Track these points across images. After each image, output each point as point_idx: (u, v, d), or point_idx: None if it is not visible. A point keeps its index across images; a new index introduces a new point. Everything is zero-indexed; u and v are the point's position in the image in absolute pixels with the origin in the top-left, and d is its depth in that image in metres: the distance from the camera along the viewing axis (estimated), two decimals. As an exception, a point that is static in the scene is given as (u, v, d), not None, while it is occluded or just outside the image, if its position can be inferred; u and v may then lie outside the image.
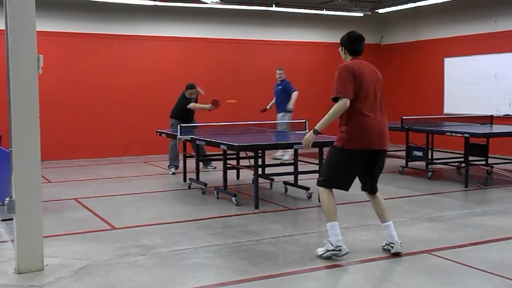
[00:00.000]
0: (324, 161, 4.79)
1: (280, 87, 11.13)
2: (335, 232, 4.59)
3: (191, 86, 9.77)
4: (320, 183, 4.74)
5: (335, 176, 4.68)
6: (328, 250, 4.58)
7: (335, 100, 4.66)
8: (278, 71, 11.17)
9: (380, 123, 4.67)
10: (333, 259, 4.59)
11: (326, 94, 14.50)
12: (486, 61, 11.85)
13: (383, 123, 4.71)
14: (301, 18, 13.40)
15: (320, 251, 4.66)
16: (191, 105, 9.59)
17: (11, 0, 4.11)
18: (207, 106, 9.59)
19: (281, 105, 11.04)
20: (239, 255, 4.77)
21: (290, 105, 10.87)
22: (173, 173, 9.43)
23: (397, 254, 4.70)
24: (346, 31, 5.00)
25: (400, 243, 4.73)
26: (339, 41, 4.95)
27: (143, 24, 12.08)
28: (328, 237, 4.63)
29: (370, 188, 4.83)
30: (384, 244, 4.87)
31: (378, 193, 4.87)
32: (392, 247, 4.74)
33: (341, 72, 4.65)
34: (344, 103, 4.56)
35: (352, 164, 4.64)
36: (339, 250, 4.55)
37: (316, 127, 4.72)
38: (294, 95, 10.90)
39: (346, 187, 4.75)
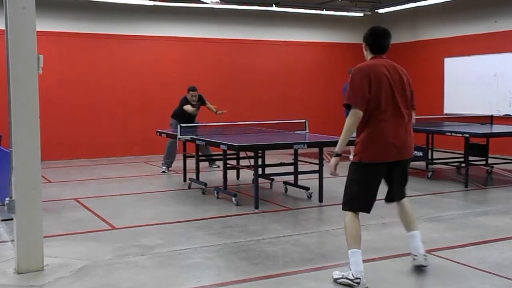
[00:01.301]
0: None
1: None
2: (356, 261, 3.99)
3: (191, 89, 9.74)
4: (343, 207, 4.20)
5: (356, 196, 4.15)
6: (347, 278, 4.02)
7: (347, 106, 4.03)
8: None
9: (400, 131, 4.07)
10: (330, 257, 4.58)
11: (326, 94, 14.58)
12: (486, 61, 11.84)
13: (406, 130, 4.12)
14: (301, 18, 13.40)
15: (336, 274, 4.12)
16: (185, 107, 9.58)
17: (11, 0, 4.11)
18: (194, 110, 9.59)
19: None
20: (239, 255, 4.77)
21: None
22: (163, 172, 9.46)
23: (420, 267, 4.32)
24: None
25: (425, 256, 4.32)
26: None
27: (143, 24, 12.08)
28: (349, 264, 4.06)
29: (388, 197, 4.39)
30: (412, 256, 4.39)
31: (404, 201, 4.42)
32: (414, 259, 4.35)
33: (354, 76, 4.01)
34: (356, 114, 3.93)
35: (370, 179, 4.11)
36: (357, 283, 3.96)
37: (336, 151, 4.10)
38: None
39: (367, 209, 4.20)
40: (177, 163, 9.69)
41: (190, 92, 9.72)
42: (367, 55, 4.23)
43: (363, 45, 4.24)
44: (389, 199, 4.42)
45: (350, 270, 4.02)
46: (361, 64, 4.11)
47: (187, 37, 12.48)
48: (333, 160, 4.13)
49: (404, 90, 4.13)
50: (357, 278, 3.98)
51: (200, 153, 8.77)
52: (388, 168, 4.15)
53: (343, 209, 4.19)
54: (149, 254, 4.80)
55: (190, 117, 9.58)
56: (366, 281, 3.99)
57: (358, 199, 4.16)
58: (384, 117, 4.01)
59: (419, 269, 4.38)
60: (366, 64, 4.11)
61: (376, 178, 4.14)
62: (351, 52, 14.30)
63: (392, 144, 4.04)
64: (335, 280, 4.11)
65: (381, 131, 4.01)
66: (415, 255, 4.34)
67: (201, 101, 9.86)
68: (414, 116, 4.33)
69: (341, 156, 4.13)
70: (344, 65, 14.17)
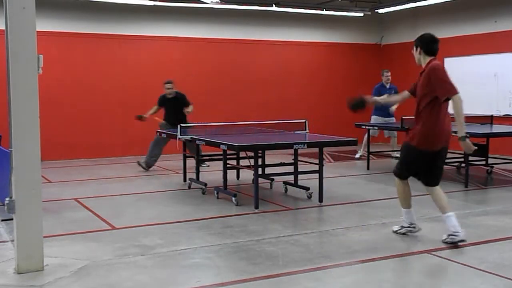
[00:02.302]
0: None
1: (391, 91, 10.78)
2: (410, 217, 5.29)
3: (167, 81, 9.79)
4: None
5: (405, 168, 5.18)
6: (404, 227, 5.33)
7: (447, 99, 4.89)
8: (387, 74, 11.05)
9: (448, 124, 5.05)
10: (331, 257, 4.59)
11: (326, 94, 14.58)
12: (486, 61, 11.84)
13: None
14: (301, 18, 13.40)
15: (395, 227, 5.41)
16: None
17: (11, 0, 4.11)
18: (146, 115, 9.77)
19: (388, 106, 10.81)
20: (239, 255, 4.78)
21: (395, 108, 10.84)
22: (144, 168, 9.52)
23: (461, 242, 4.97)
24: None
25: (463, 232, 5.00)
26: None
27: (143, 24, 12.08)
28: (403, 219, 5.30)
29: (424, 182, 5.24)
30: (445, 237, 5.05)
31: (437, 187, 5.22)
32: (456, 235, 4.97)
33: (440, 72, 4.89)
34: (460, 98, 4.83)
35: (417, 161, 5.10)
36: (414, 227, 5.28)
37: (462, 135, 4.97)
38: None
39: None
40: (177, 163, 9.70)
41: (165, 85, 9.74)
42: (421, 58, 5.07)
43: (415, 49, 5.09)
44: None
45: (403, 222, 5.28)
46: (437, 62, 4.98)
47: (187, 37, 12.48)
48: (465, 143, 5.03)
49: None
50: (412, 224, 5.29)
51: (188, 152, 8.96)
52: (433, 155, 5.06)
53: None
54: (149, 254, 4.80)
55: (178, 117, 9.49)
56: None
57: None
58: (443, 112, 4.95)
59: (419, 269, 4.38)
60: (438, 63, 4.98)
61: (421, 162, 5.11)
62: (351, 52, 14.34)
63: (445, 135, 5.03)
64: (396, 231, 5.37)
65: (440, 124, 4.96)
66: (456, 232, 5.01)
67: (184, 102, 9.78)
68: None
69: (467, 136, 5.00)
70: (344, 65, 14.23)
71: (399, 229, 5.38)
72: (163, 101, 9.86)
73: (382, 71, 11.24)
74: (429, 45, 5.03)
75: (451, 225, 5.00)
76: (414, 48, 5.11)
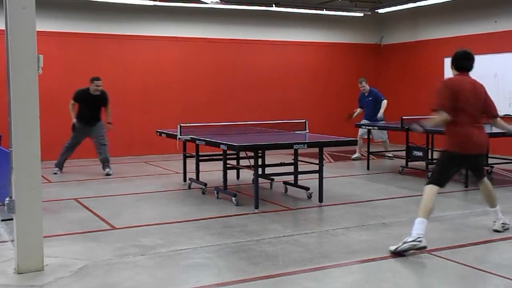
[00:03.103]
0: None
1: (370, 98, 11.13)
2: (422, 228, 4.82)
3: (96, 78, 9.48)
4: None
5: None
6: (407, 242, 4.71)
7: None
8: (362, 84, 11.22)
9: (477, 132, 5.23)
10: (330, 258, 4.59)
11: (327, 93, 14.59)
12: (486, 61, 11.83)
13: (481, 132, 5.31)
14: (301, 18, 13.40)
15: (393, 246, 4.76)
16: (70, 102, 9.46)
17: (11, 0, 4.11)
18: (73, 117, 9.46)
19: (374, 114, 11.02)
20: (239, 255, 4.77)
21: (381, 113, 10.99)
22: (55, 173, 9.37)
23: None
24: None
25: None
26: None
27: (143, 24, 12.08)
28: (412, 230, 4.81)
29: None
30: (497, 226, 5.50)
31: (485, 179, 5.59)
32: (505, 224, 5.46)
33: (441, 86, 5.22)
34: (439, 114, 5.12)
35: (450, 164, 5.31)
36: (420, 241, 4.72)
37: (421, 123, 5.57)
38: (384, 103, 11.01)
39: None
40: (177, 163, 9.69)
41: (95, 81, 9.42)
42: (452, 72, 5.39)
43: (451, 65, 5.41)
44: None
45: (410, 234, 4.76)
46: (449, 78, 5.41)
47: (187, 37, 12.48)
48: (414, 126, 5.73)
49: (478, 102, 5.31)
50: (418, 238, 4.73)
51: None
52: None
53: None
54: (149, 254, 4.80)
55: (95, 116, 9.47)
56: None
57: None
58: (463, 122, 5.15)
59: (419, 269, 4.38)
60: (450, 78, 5.35)
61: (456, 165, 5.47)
62: (351, 52, 14.34)
63: (471, 141, 5.22)
64: (394, 251, 4.70)
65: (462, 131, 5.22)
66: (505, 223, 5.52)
67: (106, 100, 9.59)
68: (499, 121, 5.84)
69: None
70: (344, 65, 14.23)
71: (400, 246, 4.74)
72: (84, 97, 9.45)
73: (359, 79, 11.29)
74: (458, 61, 5.32)
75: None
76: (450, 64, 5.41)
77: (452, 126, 5.15)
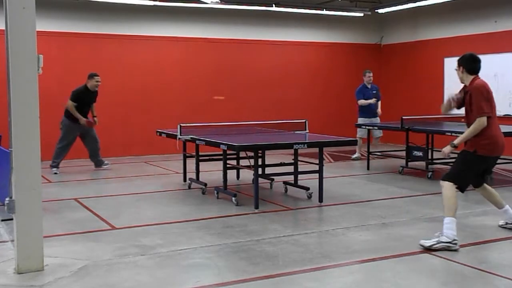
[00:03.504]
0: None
1: (374, 92, 11.16)
2: (453, 227, 4.89)
3: (96, 74, 9.56)
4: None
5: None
6: (442, 242, 4.83)
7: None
8: (369, 74, 11.21)
9: (502, 134, 5.38)
10: (332, 257, 4.59)
11: (327, 93, 14.59)
12: (486, 61, 11.71)
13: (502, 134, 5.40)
14: (301, 18, 13.40)
15: (428, 242, 4.88)
16: (68, 104, 9.47)
17: (11, 0, 4.11)
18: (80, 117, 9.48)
19: (375, 110, 11.14)
20: (239, 255, 4.78)
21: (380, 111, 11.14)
22: (56, 173, 9.39)
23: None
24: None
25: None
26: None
27: (143, 24, 12.08)
28: (442, 230, 4.92)
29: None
30: (503, 223, 5.58)
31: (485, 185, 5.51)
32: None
33: (480, 92, 5.15)
34: (483, 121, 5.10)
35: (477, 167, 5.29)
36: (455, 244, 4.83)
37: (454, 142, 5.28)
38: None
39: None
40: (177, 163, 9.69)
41: (95, 77, 9.52)
42: (464, 76, 5.31)
43: (458, 69, 5.32)
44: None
45: (443, 234, 4.86)
46: (480, 82, 5.23)
47: (187, 37, 12.48)
48: (448, 148, 5.32)
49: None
50: (454, 240, 4.83)
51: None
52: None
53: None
54: (149, 254, 4.80)
55: (86, 112, 9.58)
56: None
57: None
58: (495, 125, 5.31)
59: (419, 269, 4.38)
60: (481, 83, 5.23)
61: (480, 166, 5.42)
62: (351, 52, 14.34)
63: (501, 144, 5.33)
64: (429, 247, 4.83)
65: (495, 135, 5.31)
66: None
67: (96, 96, 9.76)
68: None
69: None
70: (344, 65, 14.23)
71: (434, 244, 4.87)
72: (84, 96, 9.55)
73: (364, 71, 11.29)
74: (471, 64, 5.29)
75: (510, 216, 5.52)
76: (457, 67, 5.34)
77: (485, 129, 5.14)
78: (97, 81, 9.55)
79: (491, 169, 5.83)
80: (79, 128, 9.60)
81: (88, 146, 9.89)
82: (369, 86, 11.19)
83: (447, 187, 5.10)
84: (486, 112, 5.10)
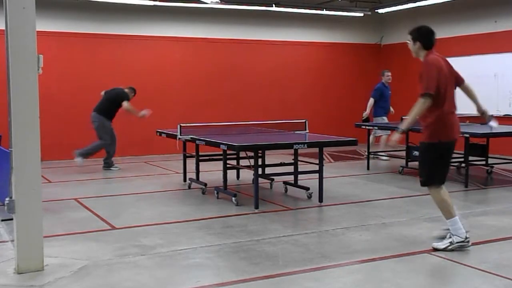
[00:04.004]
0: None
1: (390, 92, 11.13)
2: (459, 226, 4.79)
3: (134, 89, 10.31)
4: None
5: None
6: (456, 243, 4.77)
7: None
8: (388, 73, 11.15)
9: (456, 117, 4.98)
10: (332, 257, 4.59)
11: (327, 93, 14.60)
12: (486, 61, 11.84)
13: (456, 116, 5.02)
14: (301, 18, 13.40)
15: (442, 245, 4.81)
16: (127, 104, 9.94)
17: (11, 0, 4.11)
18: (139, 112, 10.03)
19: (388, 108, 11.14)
20: (239, 255, 4.77)
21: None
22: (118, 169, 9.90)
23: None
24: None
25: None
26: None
27: (143, 24, 12.08)
28: (451, 232, 4.81)
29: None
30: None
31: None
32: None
33: (429, 67, 4.78)
34: (425, 100, 4.70)
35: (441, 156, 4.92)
36: (468, 242, 4.80)
37: (400, 128, 4.94)
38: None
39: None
40: (177, 163, 9.70)
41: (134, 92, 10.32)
42: (419, 51, 4.94)
43: (412, 43, 4.95)
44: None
45: (454, 235, 4.79)
46: (431, 57, 4.86)
47: (187, 37, 12.48)
48: (395, 135, 4.95)
49: (452, 78, 5.02)
50: (466, 238, 4.79)
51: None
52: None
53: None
54: (149, 254, 4.80)
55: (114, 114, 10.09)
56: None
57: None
58: (447, 105, 4.84)
59: (419, 269, 4.38)
60: (432, 57, 4.85)
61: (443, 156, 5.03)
62: (351, 52, 14.34)
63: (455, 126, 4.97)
64: (444, 249, 4.77)
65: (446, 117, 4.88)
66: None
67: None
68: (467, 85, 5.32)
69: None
70: (344, 65, 14.23)
71: (448, 246, 4.81)
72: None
73: (383, 71, 11.27)
74: (430, 38, 4.96)
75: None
76: (412, 41, 4.98)
77: (433, 112, 4.76)
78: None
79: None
80: (110, 125, 10.01)
81: (110, 147, 10.07)
82: (387, 86, 11.12)
83: (433, 192, 4.90)
84: (431, 91, 4.68)
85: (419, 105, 4.69)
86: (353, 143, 7.62)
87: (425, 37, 4.94)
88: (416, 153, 9.05)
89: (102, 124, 9.88)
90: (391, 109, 11.17)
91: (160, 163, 10.69)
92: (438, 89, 4.73)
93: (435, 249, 4.82)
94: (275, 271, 4.34)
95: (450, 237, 4.83)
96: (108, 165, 10.03)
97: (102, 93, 10.18)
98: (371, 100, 10.99)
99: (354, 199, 7.22)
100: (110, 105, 9.95)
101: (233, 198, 6.90)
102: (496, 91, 11.64)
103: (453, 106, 4.98)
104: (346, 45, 14.22)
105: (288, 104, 13.33)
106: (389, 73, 11.16)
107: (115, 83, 11.78)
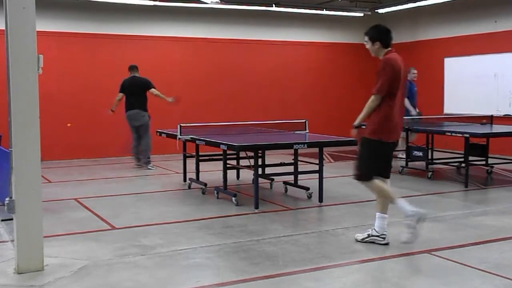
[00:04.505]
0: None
1: (416, 89, 10.84)
2: (405, 204, 4.85)
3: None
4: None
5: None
6: (371, 236, 5.01)
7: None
8: (414, 71, 10.86)
9: (401, 118, 5.00)
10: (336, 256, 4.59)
11: (327, 93, 14.59)
12: (486, 61, 11.84)
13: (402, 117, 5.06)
14: (301, 18, 13.40)
15: (359, 236, 5.10)
16: (156, 90, 10.17)
17: (11, 0, 4.11)
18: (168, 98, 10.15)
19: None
20: (239, 255, 4.77)
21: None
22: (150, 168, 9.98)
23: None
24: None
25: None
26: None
27: (143, 24, 12.08)
28: (404, 213, 4.85)
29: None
30: (364, 236, 5.12)
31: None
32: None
33: (385, 67, 4.83)
34: (375, 99, 4.82)
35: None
36: (383, 238, 4.99)
37: (355, 123, 5.04)
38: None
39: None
40: (177, 163, 9.69)
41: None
42: (379, 51, 4.99)
43: (370, 43, 4.98)
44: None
45: (374, 229, 5.02)
46: (388, 57, 4.90)
47: (187, 37, 12.48)
48: (353, 131, 5.05)
49: (404, 80, 4.97)
50: (382, 234, 4.98)
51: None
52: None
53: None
54: (149, 254, 4.80)
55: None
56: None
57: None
58: (395, 105, 4.85)
59: (419, 269, 4.38)
60: (389, 57, 4.89)
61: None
62: (351, 52, 14.33)
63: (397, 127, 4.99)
64: (361, 240, 5.05)
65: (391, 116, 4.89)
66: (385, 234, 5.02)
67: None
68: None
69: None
70: (344, 65, 14.23)
71: (365, 238, 5.08)
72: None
73: (409, 68, 10.92)
74: (388, 37, 4.99)
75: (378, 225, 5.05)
76: (370, 42, 4.99)
77: (381, 111, 4.81)
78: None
79: (390, 160, 5.17)
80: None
81: (144, 141, 10.17)
82: (413, 83, 10.78)
83: (367, 184, 5.06)
84: (381, 93, 4.75)
85: (370, 103, 4.81)
86: (353, 143, 7.57)
87: (384, 35, 4.96)
88: (416, 153, 9.07)
89: (147, 119, 10.02)
90: (417, 109, 10.76)
91: (160, 163, 10.69)
92: (390, 89, 4.77)
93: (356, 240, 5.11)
94: (275, 271, 4.34)
95: (371, 230, 5.05)
96: (147, 162, 10.13)
97: (121, 94, 10.15)
98: (406, 100, 10.29)
99: (354, 199, 7.22)
100: (144, 97, 10.10)
101: (233, 198, 6.90)
102: (496, 91, 11.65)
103: (401, 108, 5.00)
104: (346, 45, 14.21)
105: (288, 104, 13.33)
106: (415, 71, 10.87)
107: (115, 83, 11.78)
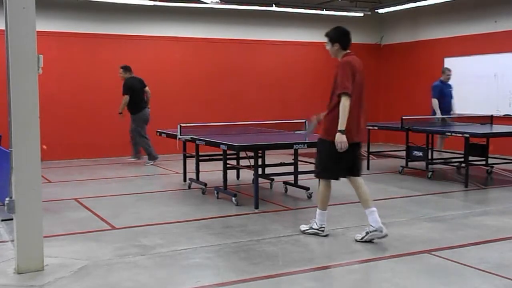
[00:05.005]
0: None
1: (450, 89, 10.33)
2: (323, 218, 5.28)
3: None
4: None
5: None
6: (312, 228, 5.31)
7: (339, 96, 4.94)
8: (449, 72, 10.37)
9: (363, 119, 5.08)
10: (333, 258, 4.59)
11: (327, 93, 14.56)
12: (486, 61, 11.84)
13: (364, 118, 5.15)
14: (301, 18, 13.40)
15: (303, 227, 5.41)
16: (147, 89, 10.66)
17: (11, 0, 4.11)
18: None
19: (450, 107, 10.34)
20: (239, 255, 4.78)
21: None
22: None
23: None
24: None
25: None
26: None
27: (143, 24, 12.08)
28: (316, 220, 5.32)
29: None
30: (361, 236, 5.11)
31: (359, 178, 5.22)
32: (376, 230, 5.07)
33: (344, 68, 4.91)
34: (346, 99, 4.87)
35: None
36: (322, 231, 5.27)
37: (340, 129, 4.93)
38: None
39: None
40: (177, 163, 9.69)
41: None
42: (338, 53, 5.12)
43: (330, 45, 5.11)
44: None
45: (315, 222, 5.28)
46: (346, 59, 5.00)
47: (187, 37, 12.48)
48: (340, 136, 4.93)
49: (363, 81, 5.07)
50: (321, 227, 5.26)
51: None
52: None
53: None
54: (149, 254, 4.80)
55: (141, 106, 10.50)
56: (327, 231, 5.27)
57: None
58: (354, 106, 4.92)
59: (419, 269, 4.38)
60: (351, 58, 5.00)
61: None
62: (351, 52, 14.32)
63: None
64: (303, 232, 5.34)
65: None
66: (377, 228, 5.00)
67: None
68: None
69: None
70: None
71: (307, 230, 5.37)
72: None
73: (443, 68, 10.67)
74: (345, 38, 5.10)
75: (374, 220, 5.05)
76: (330, 43, 5.09)
77: (335, 111, 4.94)
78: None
79: (357, 160, 5.23)
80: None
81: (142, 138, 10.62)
82: (447, 83, 10.39)
83: (321, 183, 5.20)
84: (347, 90, 4.83)
85: (343, 105, 4.84)
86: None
87: (343, 38, 5.07)
88: (416, 153, 9.07)
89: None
90: (454, 108, 10.36)
91: (160, 163, 10.68)
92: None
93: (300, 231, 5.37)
94: (275, 271, 4.34)
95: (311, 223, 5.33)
96: (153, 157, 10.51)
97: (128, 96, 10.44)
98: (435, 101, 10.20)
99: (354, 199, 7.17)
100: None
101: (233, 198, 6.90)
102: (496, 91, 11.65)
103: (361, 110, 5.02)
104: (346, 45, 14.19)
105: (288, 104, 13.33)
106: (450, 72, 10.35)
107: (115, 83, 11.80)
